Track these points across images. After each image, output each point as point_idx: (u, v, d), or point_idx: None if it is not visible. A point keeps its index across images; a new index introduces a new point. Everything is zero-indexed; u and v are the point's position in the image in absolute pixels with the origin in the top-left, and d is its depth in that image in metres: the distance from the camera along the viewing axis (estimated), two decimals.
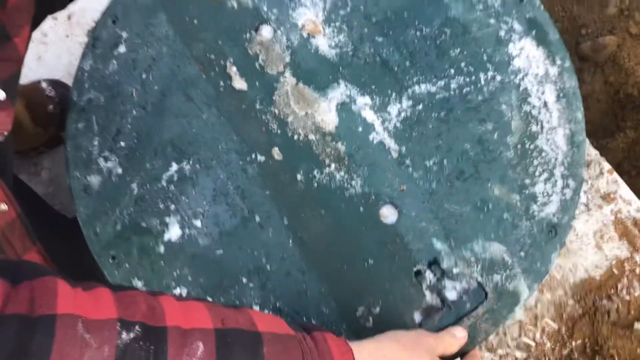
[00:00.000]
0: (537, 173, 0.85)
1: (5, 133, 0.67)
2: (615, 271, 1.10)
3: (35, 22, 0.85)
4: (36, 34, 1.24)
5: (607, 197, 1.13)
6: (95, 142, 0.88)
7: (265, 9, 0.92)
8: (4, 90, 0.67)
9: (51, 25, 1.22)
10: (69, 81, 1.15)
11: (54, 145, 1.19)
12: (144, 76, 0.90)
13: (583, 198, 1.13)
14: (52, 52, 1.23)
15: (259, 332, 0.56)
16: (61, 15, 1.23)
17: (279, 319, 0.61)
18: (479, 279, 0.82)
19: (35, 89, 1.15)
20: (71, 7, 1.24)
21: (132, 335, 0.48)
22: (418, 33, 0.90)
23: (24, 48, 0.71)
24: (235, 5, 0.93)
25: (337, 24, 0.91)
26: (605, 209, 1.13)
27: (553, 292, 1.08)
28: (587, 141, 1.17)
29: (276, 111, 0.88)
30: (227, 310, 0.58)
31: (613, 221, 1.12)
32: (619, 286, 1.09)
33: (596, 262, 1.10)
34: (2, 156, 0.74)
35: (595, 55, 1.42)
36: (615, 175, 1.14)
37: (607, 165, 1.16)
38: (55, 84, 1.16)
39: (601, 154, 1.16)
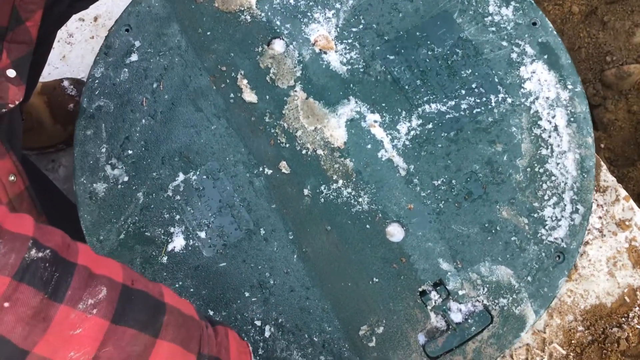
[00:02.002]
0: (546, 197, 0.84)
1: (17, 102, 0.69)
2: (627, 299, 1.08)
3: (60, 21, 0.87)
4: (62, 34, 1.26)
5: (622, 224, 1.11)
6: (103, 149, 0.88)
7: (278, 23, 0.93)
8: (15, 70, 0.69)
9: (77, 26, 1.23)
10: None
11: (72, 143, 1.19)
12: (154, 85, 0.90)
13: (597, 224, 1.11)
14: (77, 52, 1.23)
15: (165, 302, 0.58)
16: (88, 16, 1.24)
17: (189, 303, 0.63)
18: (485, 302, 0.81)
19: (57, 87, 1.15)
20: (98, 9, 1.25)
21: (41, 254, 0.50)
22: (430, 52, 0.90)
23: (36, 32, 0.73)
24: (248, 18, 0.93)
25: (350, 40, 0.92)
26: (620, 235, 1.10)
27: (563, 317, 1.06)
28: (605, 166, 1.15)
29: (285, 125, 0.88)
30: (142, 277, 0.59)
31: (627, 248, 1.10)
32: (630, 315, 1.07)
33: (608, 289, 1.08)
34: (12, 128, 0.75)
35: (619, 82, 1.40)
36: (632, 202, 1.13)
37: (623, 192, 1.13)
38: (77, 83, 1.17)
39: (622, 183, 1.14)
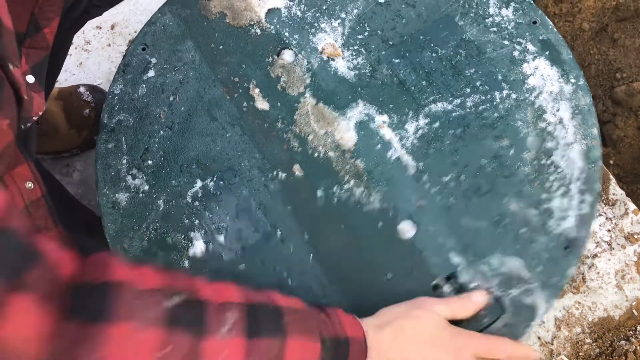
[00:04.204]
0: (553, 188, 0.86)
1: (40, 113, 0.72)
2: (635, 312, 1.07)
3: (75, 26, 0.91)
4: (79, 41, 1.31)
5: (630, 238, 1.11)
6: (124, 161, 0.92)
7: (287, 34, 0.97)
8: (33, 75, 0.73)
9: (94, 34, 1.29)
10: (107, 88, 1.20)
11: (87, 149, 1.23)
12: (171, 98, 0.95)
13: (606, 237, 1.11)
14: (94, 59, 1.29)
15: (279, 306, 0.64)
16: (105, 24, 1.30)
17: (296, 298, 0.69)
18: (497, 293, 0.82)
19: (74, 93, 1.20)
20: (115, 18, 1.30)
21: (174, 302, 0.54)
22: (434, 54, 0.93)
23: (52, 38, 0.77)
24: (258, 32, 0.97)
25: (356, 47, 0.95)
26: (629, 249, 1.10)
27: (570, 329, 1.06)
28: (613, 179, 1.16)
29: (297, 130, 0.91)
30: (252, 290, 0.65)
31: (636, 262, 1.09)
32: (639, 328, 1.06)
33: (616, 302, 1.07)
34: (28, 135, 0.78)
35: (629, 100, 1.40)
36: None
37: (632, 206, 1.13)
38: (93, 89, 1.21)
39: (631, 200, 1.14)
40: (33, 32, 0.74)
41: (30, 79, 0.73)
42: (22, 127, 0.69)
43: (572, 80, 0.90)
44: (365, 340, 0.70)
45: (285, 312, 0.63)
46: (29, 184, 0.75)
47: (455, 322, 0.82)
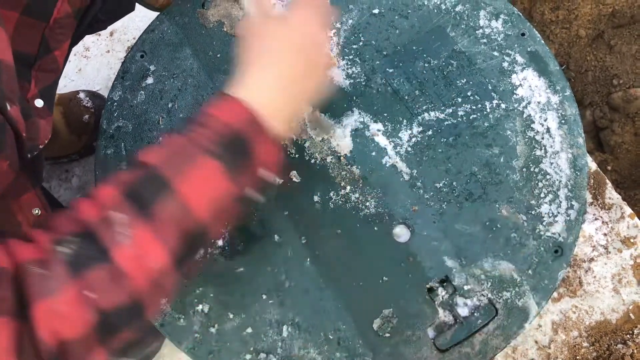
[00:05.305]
0: (542, 195, 0.90)
1: (46, 141, 0.72)
2: (632, 316, 1.09)
3: (75, 40, 0.92)
4: (79, 48, 1.32)
5: (627, 241, 1.13)
6: (124, 167, 0.93)
7: None
8: (42, 99, 0.73)
9: (93, 40, 1.29)
10: (106, 94, 1.21)
11: (86, 154, 1.24)
12: (170, 105, 0.96)
13: (602, 240, 1.12)
14: (93, 66, 1.29)
15: (151, 165, 0.58)
16: (104, 31, 1.31)
17: (164, 136, 0.63)
18: (490, 295, 0.85)
19: (74, 99, 1.20)
20: (114, 25, 1.31)
21: (66, 250, 0.53)
22: (426, 65, 0.96)
23: (62, 60, 0.77)
24: None
25: (351, 57, 0.98)
26: (625, 253, 1.12)
27: (568, 333, 1.08)
28: (609, 184, 1.18)
29: (294, 137, 0.93)
30: (122, 174, 0.60)
31: (632, 266, 1.12)
32: (635, 331, 1.08)
33: (613, 306, 1.09)
34: (37, 165, 0.78)
35: (626, 106, 1.42)
36: (637, 220, 1.14)
37: (628, 210, 1.15)
38: (92, 95, 1.22)
39: (629, 205, 1.16)
40: (43, 54, 0.73)
41: (39, 102, 0.72)
42: (29, 155, 0.69)
43: (559, 91, 0.94)
44: (252, 113, 0.64)
45: (159, 166, 0.57)
46: (36, 211, 0.74)
47: (450, 325, 0.84)
